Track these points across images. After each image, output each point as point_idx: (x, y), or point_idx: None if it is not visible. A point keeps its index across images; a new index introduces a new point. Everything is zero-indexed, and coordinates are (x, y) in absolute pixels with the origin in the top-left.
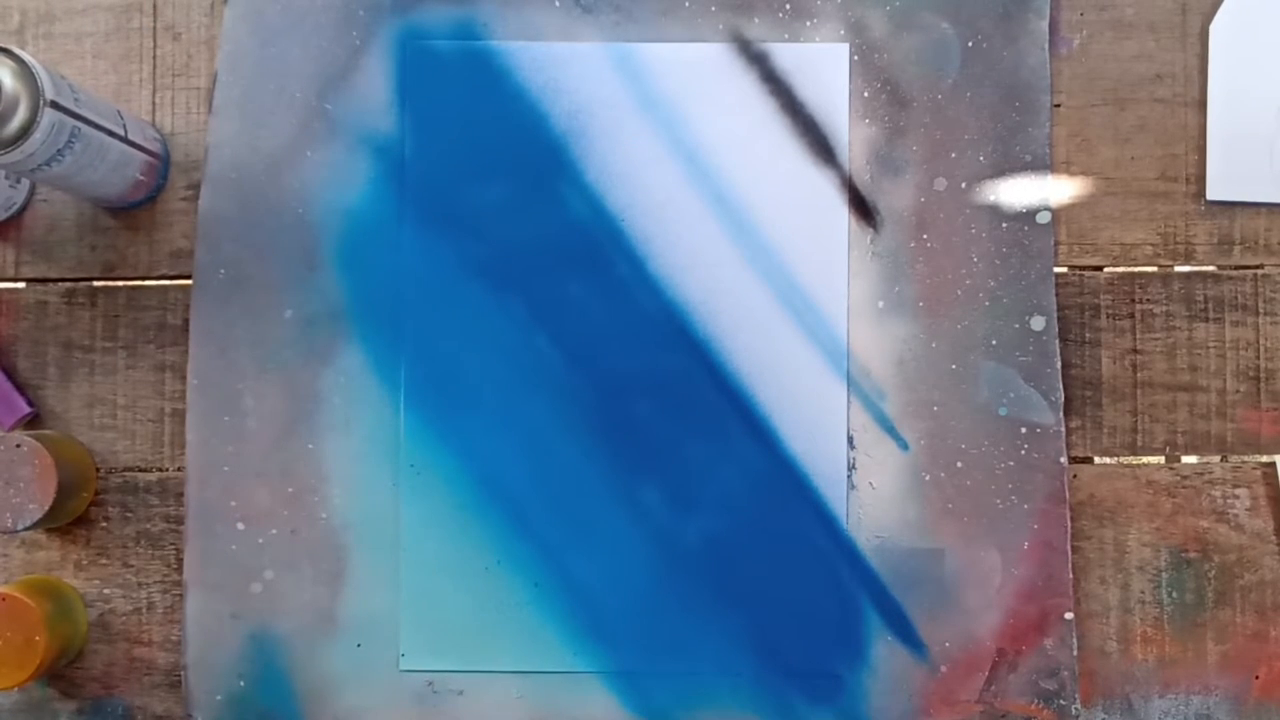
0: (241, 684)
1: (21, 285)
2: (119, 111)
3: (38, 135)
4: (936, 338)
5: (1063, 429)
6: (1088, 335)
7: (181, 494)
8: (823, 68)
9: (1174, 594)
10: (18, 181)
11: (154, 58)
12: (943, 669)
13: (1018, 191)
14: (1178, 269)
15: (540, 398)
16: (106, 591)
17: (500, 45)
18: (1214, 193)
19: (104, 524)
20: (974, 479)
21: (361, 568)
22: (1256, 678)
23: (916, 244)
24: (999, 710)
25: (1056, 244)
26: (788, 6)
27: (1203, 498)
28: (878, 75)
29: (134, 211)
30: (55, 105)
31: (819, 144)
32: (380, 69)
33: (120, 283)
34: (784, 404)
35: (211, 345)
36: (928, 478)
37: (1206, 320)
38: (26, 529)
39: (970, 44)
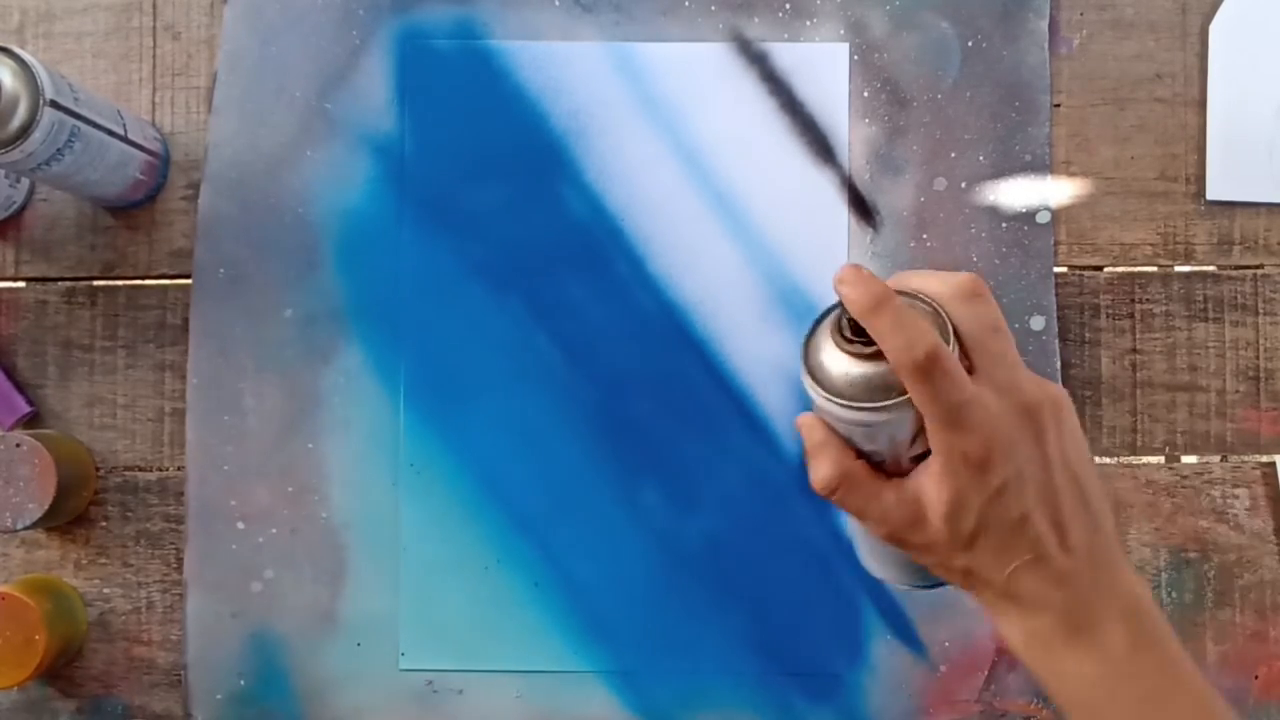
0: (241, 683)
1: (21, 284)
2: (119, 111)
3: (37, 134)
4: None
5: None
6: (1087, 335)
7: (181, 493)
8: (822, 67)
9: (1173, 594)
10: (17, 180)
11: (154, 57)
12: (942, 668)
13: (1017, 191)
14: (1177, 269)
15: (540, 397)
16: (106, 591)
17: (500, 45)
18: (1214, 193)
19: (104, 523)
20: None
21: (361, 567)
22: (1256, 678)
23: (916, 244)
24: (998, 710)
25: (1056, 244)
26: (787, 6)
27: (1202, 498)
28: (877, 75)
29: (134, 211)
30: (55, 104)
31: (819, 144)
32: (380, 68)
33: (120, 282)
34: (784, 404)
35: (211, 344)
36: None
37: (1206, 320)
38: (26, 528)
39: (970, 44)
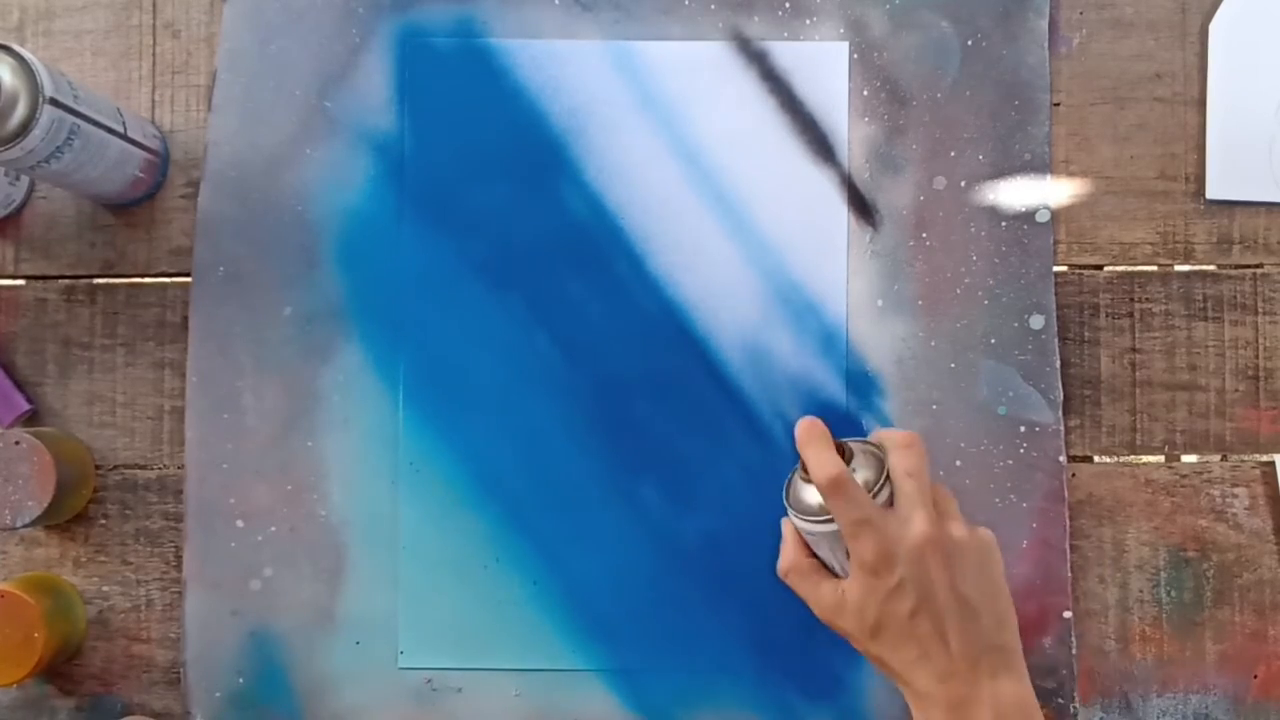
0: (241, 681)
1: (21, 282)
2: (118, 109)
3: (37, 132)
4: (936, 336)
5: (1061, 428)
6: (1087, 334)
7: (181, 491)
8: (822, 66)
9: (1172, 593)
10: (17, 178)
11: (153, 55)
12: None
13: (1017, 190)
14: (1177, 268)
15: (539, 396)
16: (105, 589)
17: (500, 43)
18: (1213, 192)
19: (103, 521)
20: (973, 478)
21: (360, 565)
22: (1255, 677)
23: (916, 243)
24: None
25: (1056, 243)
26: (787, 5)
27: (1201, 497)
28: (877, 74)
29: (133, 209)
30: (54, 102)
31: (818, 142)
32: (380, 67)
33: (119, 280)
34: (783, 403)
35: (211, 343)
36: None
37: (1205, 319)
38: (25, 526)
39: (970, 43)
